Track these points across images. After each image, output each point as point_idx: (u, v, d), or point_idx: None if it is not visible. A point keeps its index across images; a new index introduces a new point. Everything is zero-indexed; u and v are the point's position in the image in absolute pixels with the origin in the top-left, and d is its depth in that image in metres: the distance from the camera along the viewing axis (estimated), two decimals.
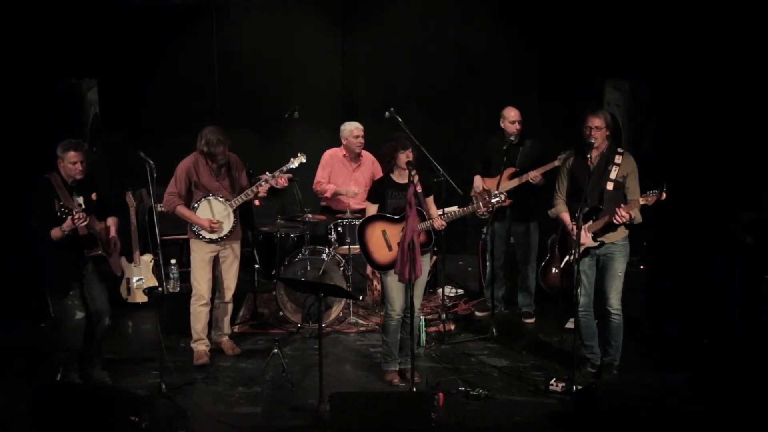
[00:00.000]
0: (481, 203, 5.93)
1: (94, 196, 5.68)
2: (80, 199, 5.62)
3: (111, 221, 5.82)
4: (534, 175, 6.66)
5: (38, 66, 7.52)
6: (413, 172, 5.58)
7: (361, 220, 5.87)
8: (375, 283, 7.14)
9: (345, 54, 8.97)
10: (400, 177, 5.74)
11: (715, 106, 7.25)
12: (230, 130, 6.61)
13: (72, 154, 5.51)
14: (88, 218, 5.45)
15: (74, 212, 5.34)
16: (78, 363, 5.78)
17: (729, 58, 7.12)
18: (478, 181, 7.01)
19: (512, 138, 6.77)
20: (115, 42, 8.29)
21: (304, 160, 6.41)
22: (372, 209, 5.80)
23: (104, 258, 5.69)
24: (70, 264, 5.60)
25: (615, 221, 5.51)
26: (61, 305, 5.65)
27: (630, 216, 5.52)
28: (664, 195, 5.39)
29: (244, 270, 6.72)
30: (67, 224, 5.35)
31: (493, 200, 5.83)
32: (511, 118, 6.82)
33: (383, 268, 5.76)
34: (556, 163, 6.52)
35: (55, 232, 5.41)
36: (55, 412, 4.86)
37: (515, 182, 6.77)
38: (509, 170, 6.83)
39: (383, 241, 5.72)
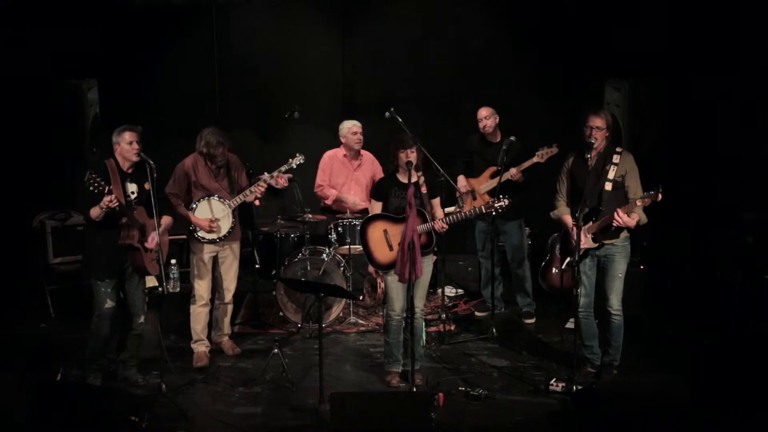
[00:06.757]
0: (484, 208, 5.81)
1: (147, 185, 5.62)
2: (133, 187, 5.62)
3: (164, 220, 5.79)
4: (513, 173, 6.67)
5: (39, 66, 7.53)
6: (419, 174, 5.62)
7: (363, 219, 5.86)
8: (378, 281, 7.11)
9: (345, 54, 8.96)
10: (404, 177, 5.71)
11: (716, 106, 7.25)
12: (230, 130, 6.62)
13: (128, 134, 5.54)
14: (126, 204, 5.45)
15: (107, 188, 5.29)
16: (105, 359, 5.79)
17: (729, 58, 7.12)
18: (462, 181, 7.03)
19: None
20: (115, 42, 8.30)
21: (302, 161, 6.42)
22: (376, 207, 5.79)
23: (138, 249, 5.61)
24: (113, 248, 5.56)
25: (614, 224, 5.49)
26: (96, 292, 5.61)
27: (631, 218, 5.48)
28: (659, 196, 5.34)
29: (244, 270, 6.72)
30: (104, 202, 5.30)
31: (496, 204, 5.71)
32: (478, 115, 6.90)
33: (383, 268, 5.75)
34: (535, 159, 6.54)
35: (95, 211, 5.40)
36: (55, 412, 4.86)
37: (494, 182, 6.73)
38: (491, 169, 6.88)
39: (384, 240, 5.71)
